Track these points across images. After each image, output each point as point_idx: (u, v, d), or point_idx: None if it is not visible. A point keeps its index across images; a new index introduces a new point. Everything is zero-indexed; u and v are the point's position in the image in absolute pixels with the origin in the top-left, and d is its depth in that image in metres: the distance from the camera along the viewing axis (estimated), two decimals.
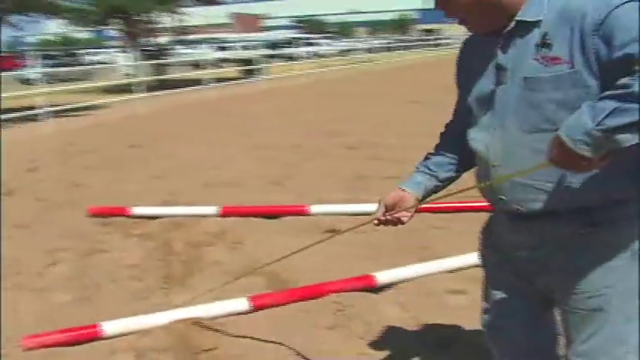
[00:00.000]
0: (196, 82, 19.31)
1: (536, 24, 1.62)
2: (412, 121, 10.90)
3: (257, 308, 3.65)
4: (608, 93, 1.41)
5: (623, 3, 1.46)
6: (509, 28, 1.67)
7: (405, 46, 40.54)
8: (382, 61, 33.25)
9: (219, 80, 20.12)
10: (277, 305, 3.68)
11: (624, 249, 1.68)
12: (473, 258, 4.17)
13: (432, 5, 1.76)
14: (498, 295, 1.99)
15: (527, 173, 1.65)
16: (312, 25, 73.37)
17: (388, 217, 2.03)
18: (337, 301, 3.70)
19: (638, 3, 1.46)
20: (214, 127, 11.69)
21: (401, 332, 3.38)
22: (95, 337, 3.34)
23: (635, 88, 1.35)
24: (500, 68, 1.71)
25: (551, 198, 1.67)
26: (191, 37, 35.99)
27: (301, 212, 5.49)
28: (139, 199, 6.13)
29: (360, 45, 42.38)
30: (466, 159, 2.05)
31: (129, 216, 5.55)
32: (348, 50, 39.41)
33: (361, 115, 11.99)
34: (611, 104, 1.37)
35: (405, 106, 13.28)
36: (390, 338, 3.30)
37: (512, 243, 1.85)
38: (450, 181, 2.13)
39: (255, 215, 5.48)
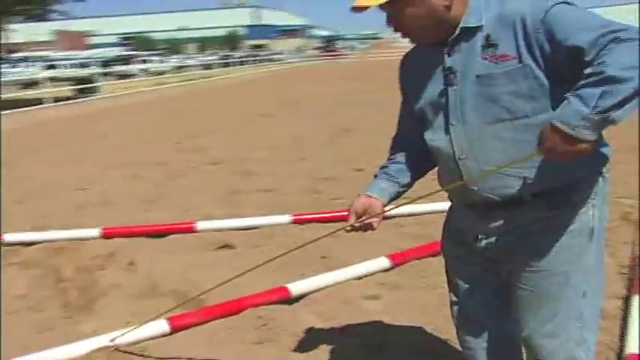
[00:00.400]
0: (32, 101, 18.19)
1: (478, 29, 1.81)
2: (267, 134, 11.01)
3: (176, 329, 3.51)
4: (584, 82, 1.56)
5: (554, 5, 1.68)
6: (455, 35, 1.83)
7: (240, 62, 40.75)
8: (220, 77, 33.20)
9: (56, 100, 19.09)
10: (198, 324, 3.56)
11: (582, 230, 1.85)
12: (377, 264, 4.32)
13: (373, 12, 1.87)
14: (465, 287, 2.12)
15: (517, 163, 1.78)
16: (140, 42, 71.65)
17: (360, 223, 2.07)
18: (257, 315, 3.65)
19: (565, 4, 1.70)
20: (67, 147, 11.09)
21: (330, 341, 3.39)
22: None
23: (608, 72, 1.52)
24: (449, 71, 1.86)
25: (519, 185, 1.81)
26: (15, 55, 33.74)
27: (189, 230, 5.36)
28: (4, 225, 5.66)
29: (191, 62, 42.00)
30: (420, 164, 2.18)
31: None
32: (182, 67, 38.88)
33: (217, 131, 11.90)
34: (596, 90, 1.53)
35: (257, 119, 13.35)
36: (322, 348, 3.31)
37: (478, 234, 1.97)
38: (409, 186, 2.21)
39: (140, 235, 5.26)
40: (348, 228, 2.11)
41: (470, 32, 1.82)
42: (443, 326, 3.50)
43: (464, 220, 2.03)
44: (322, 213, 5.77)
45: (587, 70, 1.57)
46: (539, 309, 1.89)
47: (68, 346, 3.27)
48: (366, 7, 1.83)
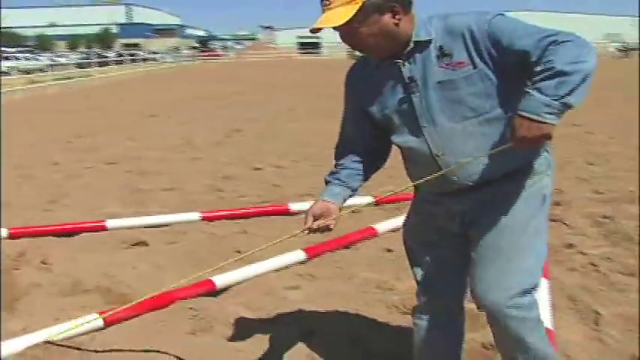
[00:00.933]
0: None
1: (429, 41, 2.12)
2: (157, 134, 10.97)
3: (109, 324, 3.56)
4: (539, 77, 1.91)
5: (494, 17, 2.06)
6: (408, 48, 2.13)
7: (115, 61, 39.67)
8: (96, 76, 32.16)
9: None
10: (130, 318, 3.63)
11: (537, 195, 2.24)
12: (294, 256, 4.55)
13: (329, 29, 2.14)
14: (433, 269, 2.43)
15: (488, 154, 2.13)
16: (7, 39, 67.78)
17: (318, 225, 2.32)
18: (187, 307, 3.76)
19: (501, 16, 2.07)
20: None
21: (261, 329, 3.55)
22: None
23: (558, 67, 1.88)
24: (410, 80, 2.15)
25: (490, 170, 2.16)
26: None
27: (99, 228, 5.34)
28: None
29: (63, 60, 40.30)
30: (368, 167, 2.48)
31: None
32: (55, 65, 37.19)
33: (105, 131, 11.68)
34: (552, 82, 1.89)
35: (144, 120, 13.20)
36: (255, 336, 3.47)
37: (451, 215, 2.29)
38: (358, 189, 2.48)
39: (49, 234, 5.19)
40: (307, 230, 2.34)
41: (422, 45, 2.13)
42: (364, 311, 3.80)
43: (439, 207, 2.32)
44: (231, 210, 5.93)
45: (538, 68, 1.92)
46: (498, 260, 2.19)
47: (3, 343, 3.25)
48: (320, 29, 2.11)
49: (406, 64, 2.15)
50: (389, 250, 4.84)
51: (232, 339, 3.46)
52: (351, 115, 2.44)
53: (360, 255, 4.78)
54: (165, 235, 5.25)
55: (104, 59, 39.05)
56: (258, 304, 3.91)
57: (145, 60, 41.38)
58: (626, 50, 53.73)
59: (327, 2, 2.08)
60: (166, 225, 5.50)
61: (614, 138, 10.12)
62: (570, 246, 4.80)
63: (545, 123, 1.89)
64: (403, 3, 2.09)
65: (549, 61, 1.89)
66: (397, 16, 2.09)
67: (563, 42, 1.91)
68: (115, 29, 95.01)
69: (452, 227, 2.33)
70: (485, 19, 2.05)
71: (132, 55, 39.43)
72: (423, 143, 2.19)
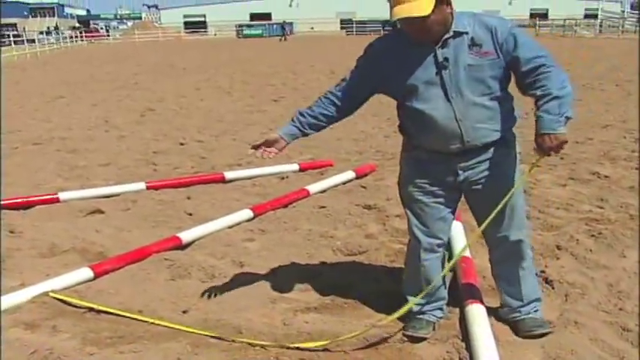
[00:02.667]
0: None
1: (465, 32, 2.85)
2: (72, 114, 11.22)
3: (99, 275, 4.08)
4: (542, 102, 2.80)
5: (514, 26, 2.85)
6: (448, 35, 2.84)
7: None
8: None
9: None
10: (116, 269, 4.15)
11: (516, 155, 3.13)
12: (243, 214, 5.17)
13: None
14: (431, 212, 3.18)
15: (538, 165, 3.09)
16: None
17: (264, 150, 3.12)
18: (163, 258, 4.32)
19: (518, 28, 2.84)
20: None
21: (230, 272, 4.18)
22: None
23: (554, 94, 2.75)
24: (444, 60, 2.86)
25: (492, 135, 2.98)
26: None
27: (53, 201, 5.72)
28: None
29: None
30: (332, 121, 3.21)
31: None
32: None
33: (17, 113, 11.67)
34: (553, 104, 2.75)
35: (53, 102, 13.26)
36: (227, 277, 4.11)
37: (453, 170, 3.07)
38: (308, 135, 3.25)
39: (5, 209, 5.50)
40: (253, 147, 3.14)
41: (458, 35, 2.83)
42: (314, 255, 4.50)
43: (440, 164, 3.06)
44: (173, 179, 6.47)
45: (539, 93, 2.78)
46: (506, 208, 3.03)
47: (8, 296, 3.70)
48: (404, 18, 2.72)
49: (442, 47, 2.83)
50: (322, 207, 5.54)
51: (208, 281, 4.06)
52: (358, 78, 3.08)
53: (298, 212, 5.45)
54: (117, 204, 5.72)
55: None
56: (222, 253, 4.52)
57: (26, 41, 39.60)
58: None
59: None
60: (116, 195, 5.95)
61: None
62: None
63: (560, 133, 2.74)
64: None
65: (546, 87, 2.76)
66: (450, 7, 2.79)
67: (549, 67, 2.79)
68: None
69: (448, 179, 3.08)
70: (507, 25, 2.83)
71: (14, 36, 37.69)
72: (450, 110, 2.90)
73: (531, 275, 3.33)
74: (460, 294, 3.56)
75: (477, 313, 3.27)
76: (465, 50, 2.83)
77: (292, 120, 3.17)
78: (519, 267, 3.24)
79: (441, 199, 3.14)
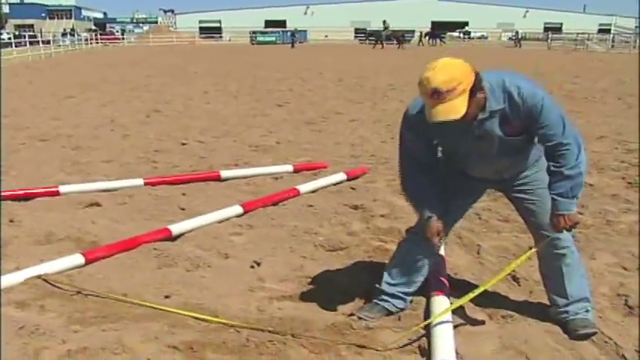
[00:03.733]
0: None
1: (499, 109, 3.05)
2: (81, 114, 11.46)
3: (90, 261, 4.30)
4: (555, 180, 3.08)
5: (543, 99, 2.99)
6: (483, 116, 3.05)
7: (10, 42, 38.79)
8: None
9: None
10: (107, 257, 4.38)
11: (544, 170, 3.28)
12: (233, 210, 5.39)
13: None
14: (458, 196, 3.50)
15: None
16: None
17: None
18: (152, 248, 4.54)
19: (547, 99, 3.01)
20: None
21: (217, 263, 4.41)
22: None
23: (565, 173, 3.03)
24: (479, 134, 3.11)
25: (523, 168, 3.37)
26: None
27: (53, 193, 5.95)
28: None
29: None
30: (435, 183, 3.41)
31: None
32: None
33: (28, 111, 11.97)
34: (566, 186, 3.04)
35: (63, 101, 13.57)
36: (214, 267, 4.33)
37: (484, 182, 3.49)
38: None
39: (7, 200, 5.73)
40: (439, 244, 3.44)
41: (493, 113, 3.04)
42: (296, 249, 4.71)
43: (472, 179, 3.43)
44: (170, 176, 6.71)
45: (552, 168, 3.08)
46: (543, 208, 3.28)
47: (5, 276, 3.92)
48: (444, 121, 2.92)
49: (479, 123, 3.05)
50: (310, 206, 5.75)
51: (194, 271, 4.28)
52: (419, 144, 3.26)
53: (287, 210, 5.66)
54: (115, 198, 5.95)
55: None
56: (209, 245, 4.73)
57: (42, 42, 40.12)
58: (517, 39, 56.60)
59: (439, 98, 2.78)
60: (114, 190, 6.18)
61: None
62: None
63: (574, 214, 3.09)
64: (483, 81, 2.91)
65: (559, 165, 3.04)
66: (483, 91, 2.96)
67: (567, 146, 3.02)
68: (5, 9, 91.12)
69: (474, 186, 3.47)
70: (537, 101, 2.97)
71: (30, 37, 38.19)
72: (486, 164, 3.27)
73: (577, 274, 3.44)
74: (427, 286, 3.75)
75: (438, 303, 3.48)
76: (496, 125, 3.07)
77: (426, 208, 3.33)
78: (563, 264, 3.38)
79: (458, 201, 3.51)
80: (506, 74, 3.07)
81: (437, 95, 2.77)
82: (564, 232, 3.20)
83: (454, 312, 3.47)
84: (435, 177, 3.33)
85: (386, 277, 3.62)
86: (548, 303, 3.64)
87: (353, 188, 6.43)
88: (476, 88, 2.85)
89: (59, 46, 43.36)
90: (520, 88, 2.96)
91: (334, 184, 6.55)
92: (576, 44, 49.77)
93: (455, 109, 2.79)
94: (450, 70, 2.77)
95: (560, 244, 3.34)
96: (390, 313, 3.56)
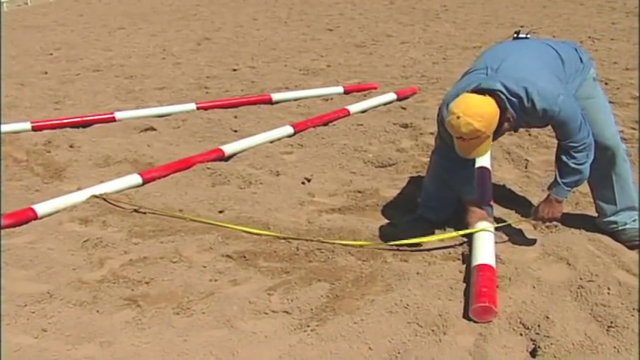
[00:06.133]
0: None
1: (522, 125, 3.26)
2: (132, 44, 11.61)
3: (147, 181, 4.47)
4: (561, 171, 3.15)
5: (564, 102, 3.00)
6: (510, 133, 3.28)
7: None
8: None
9: None
10: (163, 177, 4.54)
11: None
12: (284, 130, 5.48)
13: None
14: None
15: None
16: None
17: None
18: (206, 167, 4.68)
19: (568, 101, 3.02)
20: None
21: (268, 181, 4.53)
22: (33, 217, 3.90)
23: (571, 166, 3.11)
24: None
25: None
26: None
27: (109, 120, 6.13)
28: None
29: None
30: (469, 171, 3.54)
31: None
32: None
33: (80, 43, 12.13)
34: (574, 177, 3.13)
35: (114, 32, 13.73)
36: (265, 184, 4.46)
37: None
38: None
39: (66, 126, 5.95)
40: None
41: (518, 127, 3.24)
42: (346, 165, 4.79)
43: None
44: (221, 100, 6.82)
45: (563, 159, 3.11)
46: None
47: (65, 196, 4.14)
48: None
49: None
50: (360, 125, 5.77)
51: (246, 188, 4.41)
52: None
53: (337, 129, 5.71)
54: (169, 122, 6.10)
55: None
56: (261, 164, 4.85)
57: None
58: None
59: (465, 140, 2.94)
60: (168, 115, 6.33)
61: (558, 36, 11.09)
62: None
63: (561, 201, 3.24)
64: (507, 106, 2.99)
65: (571, 158, 3.09)
66: (510, 118, 3.02)
67: (578, 148, 3.07)
68: None
69: None
70: (556, 105, 2.98)
71: None
72: None
73: (627, 184, 3.45)
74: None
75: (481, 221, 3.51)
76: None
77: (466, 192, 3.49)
78: (612, 172, 3.40)
79: None
80: (527, 79, 3.02)
81: (462, 139, 2.96)
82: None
83: (497, 221, 3.52)
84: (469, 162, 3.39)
85: (429, 187, 3.67)
86: (594, 214, 3.64)
87: (403, 108, 6.42)
88: (502, 121, 3.00)
89: None
90: (540, 95, 2.99)
91: (384, 104, 6.55)
92: None
93: (479, 152, 3.03)
94: (473, 120, 2.86)
95: (612, 154, 3.32)
96: (433, 223, 3.62)
